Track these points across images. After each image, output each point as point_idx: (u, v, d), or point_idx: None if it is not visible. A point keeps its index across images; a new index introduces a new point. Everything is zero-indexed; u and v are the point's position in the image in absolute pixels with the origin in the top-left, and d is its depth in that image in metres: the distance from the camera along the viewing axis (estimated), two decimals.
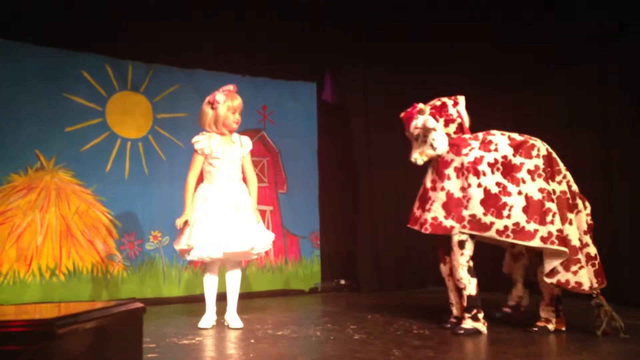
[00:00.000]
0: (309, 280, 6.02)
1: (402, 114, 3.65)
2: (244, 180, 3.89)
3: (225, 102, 3.75)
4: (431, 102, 3.61)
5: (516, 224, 3.29)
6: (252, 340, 3.28)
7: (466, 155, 3.44)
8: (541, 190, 3.32)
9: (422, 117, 3.52)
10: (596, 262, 3.38)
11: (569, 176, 3.47)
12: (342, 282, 6.18)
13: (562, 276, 3.28)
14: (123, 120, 5.22)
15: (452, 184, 3.44)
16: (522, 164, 3.37)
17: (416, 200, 3.63)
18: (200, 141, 3.76)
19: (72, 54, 5.03)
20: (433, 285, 5.84)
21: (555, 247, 3.22)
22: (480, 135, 3.54)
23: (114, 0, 4.91)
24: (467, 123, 3.61)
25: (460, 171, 3.44)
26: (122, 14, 4.95)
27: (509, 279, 3.75)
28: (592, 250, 3.40)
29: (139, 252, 5.20)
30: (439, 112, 3.56)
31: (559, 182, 3.40)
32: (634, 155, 4.53)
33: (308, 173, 6.13)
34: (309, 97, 6.23)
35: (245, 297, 4.85)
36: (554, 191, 3.36)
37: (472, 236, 3.39)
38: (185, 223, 3.69)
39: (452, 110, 3.56)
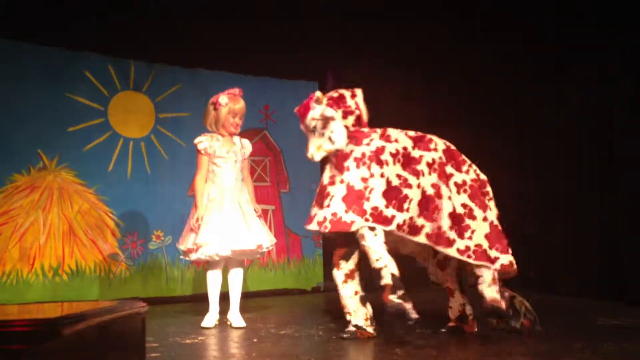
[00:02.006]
0: (311, 279, 6.02)
1: (297, 108, 3.42)
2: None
3: (227, 104, 3.78)
4: (328, 94, 3.39)
5: (411, 219, 3.16)
6: (255, 340, 3.29)
7: (367, 144, 3.25)
8: (433, 185, 3.22)
9: (319, 107, 3.27)
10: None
11: (474, 166, 3.37)
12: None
13: (504, 259, 3.19)
14: (125, 119, 5.22)
15: (352, 175, 3.19)
16: (421, 156, 3.25)
17: (314, 201, 3.38)
18: (203, 141, 3.79)
19: (74, 54, 5.03)
20: (435, 286, 5.82)
21: (472, 261, 3.14)
22: (378, 129, 3.36)
23: None
24: (365, 116, 3.43)
25: (361, 161, 3.21)
26: (124, 14, 4.95)
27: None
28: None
29: (142, 251, 5.20)
30: (337, 103, 3.34)
31: (467, 172, 3.30)
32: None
33: (310, 172, 6.12)
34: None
35: (248, 296, 4.85)
36: (464, 182, 3.26)
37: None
38: (191, 222, 3.71)
39: (350, 102, 3.37)
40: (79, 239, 4.93)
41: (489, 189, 3.35)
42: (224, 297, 3.88)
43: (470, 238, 3.16)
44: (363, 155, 3.22)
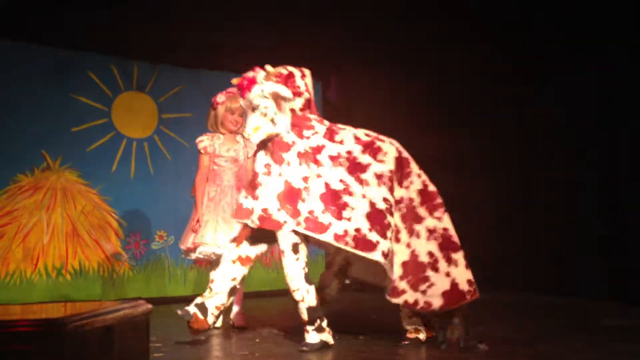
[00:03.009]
0: (313, 280, 6.01)
1: (239, 80, 3.03)
2: None
3: (225, 103, 3.78)
4: (276, 70, 3.04)
5: (358, 230, 2.86)
6: (257, 340, 3.29)
7: (308, 138, 2.97)
8: (385, 200, 2.93)
9: (269, 83, 2.92)
10: (456, 278, 2.97)
11: (424, 176, 3.10)
12: (347, 281, 6.16)
13: (410, 296, 2.92)
14: (129, 120, 5.23)
15: (292, 172, 2.91)
16: (369, 164, 2.97)
17: (244, 190, 3.09)
18: (203, 140, 3.80)
19: (77, 54, 5.04)
20: None
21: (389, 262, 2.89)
22: (326, 122, 3.10)
23: (119, 0, 4.92)
24: (314, 102, 3.16)
25: (303, 157, 2.94)
26: (127, 14, 4.95)
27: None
28: (457, 262, 3.00)
29: (145, 251, 5.21)
30: (285, 81, 3.00)
31: (407, 187, 3.03)
32: None
33: None
34: (315, 95, 6.21)
35: (250, 296, 4.85)
36: (402, 199, 3.01)
37: (305, 238, 2.94)
38: (194, 222, 3.71)
39: (300, 82, 3.04)
40: (83, 239, 4.94)
41: (439, 200, 3.07)
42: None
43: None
44: (304, 150, 2.95)
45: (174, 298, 5.19)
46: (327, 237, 2.85)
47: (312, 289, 2.96)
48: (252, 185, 3.01)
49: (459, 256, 3.00)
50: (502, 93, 5.68)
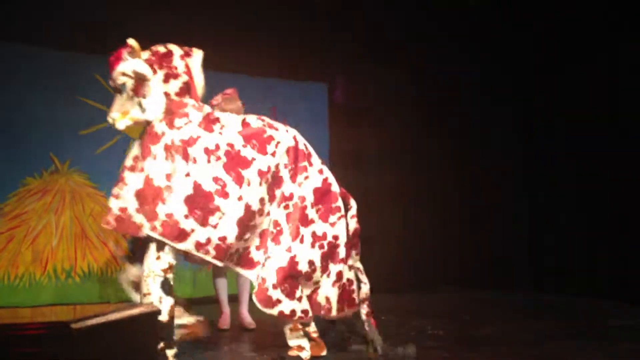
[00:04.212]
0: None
1: (111, 57, 2.67)
2: None
3: (220, 104, 3.78)
4: (154, 47, 2.71)
5: (223, 239, 2.50)
6: (266, 341, 3.29)
7: (179, 129, 2.56)
8: (262, 201, 2.59)
9: (131, 61, 2.57)
10: (346, 283, 2.76)
11: (328, 174, 2.83)
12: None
13: (285, 306, 2.59)
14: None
15: (156, 167, 2.53)
16: (253, 159, 2.58)
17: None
18: None
19: (85, 57, 5.06)
20: (446, 286, 5.82)
21: (244, 270, 2.63)
22: (207, 107, 2.73)
23: (126, 2, 4.94)
24: (199, 88, 2.79)
25: (171, 151, 2.54)
26: (134, 16, 4.97)
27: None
28: (349, 268, 2.78)
29: None
30: (160, 61, 2.65)
31: (300, 184, 2.70)
32: None
33: None
34: (320, 98, 6.22)
35: None
36: (292, 195, 2.66)
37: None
38: None
39: (178, 63, 2.69)
40: (91, 241, 4.96)
41: (338, 204, 2.78)
42: (233, 299, 3.90)
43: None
44: (172, 143, 2.54)
45: (179, 301, 5.20)
46: (188, 246, 2.47)
47: (168, 300, 2.51)
48: (117, 182, 2.63)
49: (337, 269, 2.73)
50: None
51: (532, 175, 5.78)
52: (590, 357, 2.76)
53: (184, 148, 2.52)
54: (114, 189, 2.60)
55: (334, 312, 2.74)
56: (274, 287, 2.57)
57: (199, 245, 2.47)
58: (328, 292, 2.71)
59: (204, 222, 2.47)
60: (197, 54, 2.81)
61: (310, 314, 2.66)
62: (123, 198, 2.53)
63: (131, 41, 2.57)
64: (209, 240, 2.47)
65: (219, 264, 2.55)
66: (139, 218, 2.49)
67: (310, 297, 2.70)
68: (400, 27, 5.82)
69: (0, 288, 4.54)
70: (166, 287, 2.51)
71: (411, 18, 5.74)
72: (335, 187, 2.81)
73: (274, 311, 2.58)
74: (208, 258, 2.50)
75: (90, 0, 4.82)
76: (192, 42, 5.26)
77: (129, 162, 2.64)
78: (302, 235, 2.64)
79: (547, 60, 5.48)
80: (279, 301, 2.57)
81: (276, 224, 2.64)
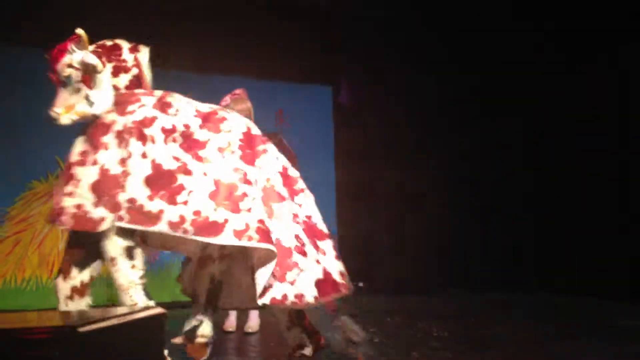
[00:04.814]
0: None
1: (53, 49, 2.50)
2: None
3: (229, 105, 3.78)
4: (101, 41, 2.64)
5: (197, 213, 2.29)
6: (272, 344, 3.29)
7: (132, 113, 2.45)
8: (236, 170, 2.42)
9: (79, 52, 2.41)
10: (327, 267, 2.53)
11: (284, 159, 2.68)
12: (361, 284, 6.16)
13: (277, 291, 2.37)
14: None
15: (110, 156, 2.39)
16: (208, 140, 2.46)
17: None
18: None
19: None
20: (453, 288, 5.80)
21: (254, 243, 2.30)
22: (158, 92, 2.65)
23: (129, 6, 4.95)
24: (148, 81, 2.74)
25: (123, 135, 2.41)
26: (138, 20, 4.98)
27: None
28: (324, 250, 2.57)
29: (158, 256, 5.23)
30: (108, 54, 2.58)
31: (261, 167, 2.54)
32: None
33: (325, 176, 6.12)
34: (326, 100, 6.22)
35: None
36: (256, 180, 2.48)
37: (143, 239, 2.52)
38: None
39: (127, 56, 2.65)
40: None
41: (301, 185, 2.66)
42: None
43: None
44: (125, 127, 2.42)
45: (186, 303, 5.20)
46: (162, 227, 2.29)
47: (152, 304, 2.39)
48: (64, 179, 2.46)
49: (326, 245, 2.58)
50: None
51: (539, 175, 5.76)
52: (599, 359, 2.75)
53: (139, 129, 2.41)
54: (65, 188, 2.40)
55: (342, 290, 2.56)
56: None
57: (173, 225, 2.28)
58: (332, 265, 2.55)
59: (171, 201, 2.31)
60: (145, 50, 2.74)
61: (308, 299, 2.41)
62: (78, 195, 2.36)
63: (80, 31, 2.41)
64: (182, 218, 2.28)
65: (204, 240, 2.33)
66: (98, 212, 2.31)
67: (309, 276, 2.46)
68: (405, 30, 5.81)
69: (7, 291, 4.56)
70: (147, 293, 2.43)
71: (415, 20, 5.74)
72: (293, 171, 2.67)
73: (265, 299, 2.35)
74: (188, 236, 2.30)
75: (98, 1, 4.83)
76: (197, 46, 5.33)
77: (74, 158, 2.49)
78: (279, 213, 2.47)
79: (552, 60, 5.47)
80: (270, 286, 2.37)
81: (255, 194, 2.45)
